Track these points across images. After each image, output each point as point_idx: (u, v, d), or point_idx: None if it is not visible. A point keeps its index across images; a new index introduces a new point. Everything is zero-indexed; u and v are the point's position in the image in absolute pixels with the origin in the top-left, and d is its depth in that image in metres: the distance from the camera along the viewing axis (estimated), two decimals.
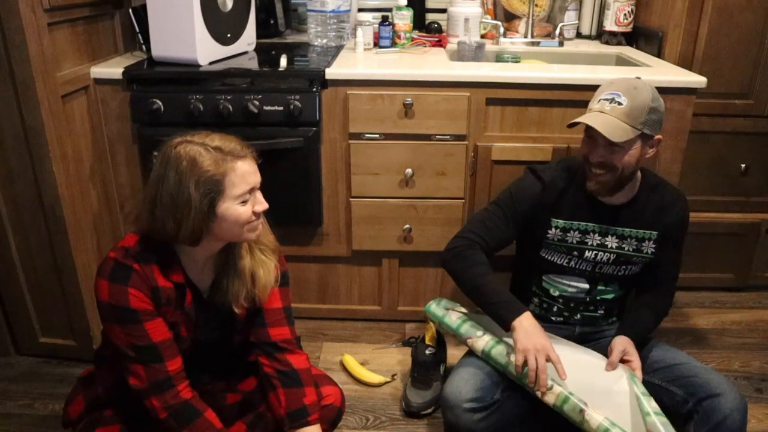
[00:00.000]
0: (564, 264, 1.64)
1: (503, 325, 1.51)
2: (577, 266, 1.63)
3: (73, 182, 1.78)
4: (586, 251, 1.61)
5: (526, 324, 1.48)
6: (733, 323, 2.27)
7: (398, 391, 1.88)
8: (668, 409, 1.48)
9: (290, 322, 1.41)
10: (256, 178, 1.25)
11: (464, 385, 1.53)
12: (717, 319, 2.30)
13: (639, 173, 1.57)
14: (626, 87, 1.44)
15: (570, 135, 1.90)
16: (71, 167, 1.78)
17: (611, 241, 1.60)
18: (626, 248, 1.60)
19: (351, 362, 1.97)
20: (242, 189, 1.21)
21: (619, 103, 1.42)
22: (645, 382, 1.60)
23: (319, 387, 1.44)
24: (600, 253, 1.61)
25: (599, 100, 1.47)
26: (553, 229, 1.61)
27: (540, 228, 1.62)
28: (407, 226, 2.02)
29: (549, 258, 1.65)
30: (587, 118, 1.45)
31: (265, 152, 1.82)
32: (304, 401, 1.35)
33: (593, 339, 1.71)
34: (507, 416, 1.54)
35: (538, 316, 1.71)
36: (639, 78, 1.51)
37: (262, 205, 1.26)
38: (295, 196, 1.95)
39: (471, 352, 1.66)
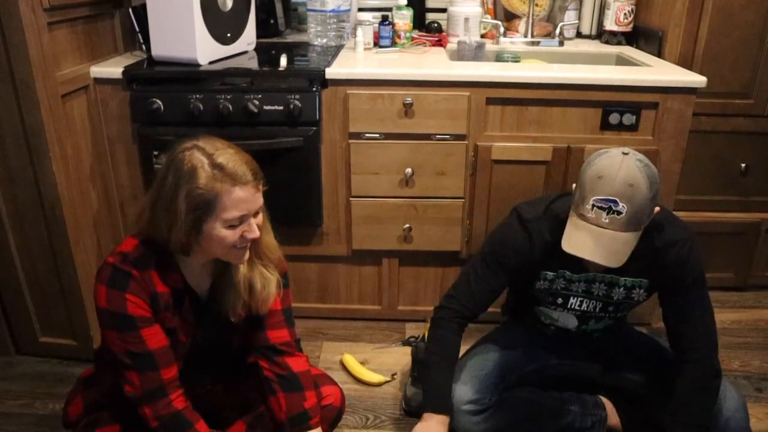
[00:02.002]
0: (551, 307, 1.59)
1: (422, 408, 1.48)
2: (563, 311, 1.58)
3: (73, 182, 1.78)
4: (571, 297, 1.54)
5: (432, 423, 1.43)
6: (733, 323, 2.27)
7: (398, 391, 1.88)
8: (663, 410, 1.49)
9: (290, 324, 1.40)
10: (251, 206, 1.19)
11: (463, 387, 1.53)
12: (717, 318, 2.23)
13: None
14: (623, 187, 1.26)
15: (570, 135, 1.90)
16: (71, 167, 1.78)
17: (598, 289, 1.50)
18: (615, 297, 1.51)
19: (351, 362, 1.97)
20: (232, 215, 1.17)
21: (618, 212, 1.26)
22: (641, 382, 1.60)
23: (319, 387, 1.44)
24: (585, 300, 1.53)
25: (593, 206, 1.28)
26: (541, 281, 1.53)
27: (528, 279, 1.55)
28: (407, 225, 2.02)
29: (536, 297, 1.60)
30: (585, 245, 1.30)
31: (265, 152, 1.84)
32: (305, 405, 1.35)
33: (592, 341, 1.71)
34: (506, 417, 1.54)
35: (535, 330, 1.70)
36: (627, 153, 1.30)
37: (253, 233, 1.21)
38: (295, 195, 1.95)
39: (470, 353, 1.66)
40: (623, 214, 1.26)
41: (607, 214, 1.27)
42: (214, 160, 1.16)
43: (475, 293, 1.53)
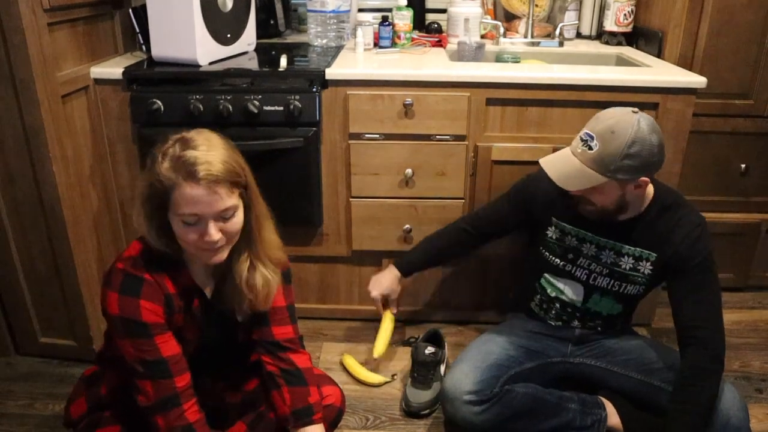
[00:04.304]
0: (559, 265, 1.64)
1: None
2: (572, 271, 1.63)
3: (73, 182, 1.78)
4: (581, 258, 1.61)
5: (386, 271, 1.85)
6: (733, 323, 2.26)
7: (398, 391, 1.88)
8: (666, 410, 1.48)
9: (293, 320, 1.41)
10: (205, 209, 1.12)
11: (464, 378, 1.55)
12: None
13: (651, 190, 1.52)
14: (604, 130, 1.38)
15: (570, 135, 1.89)
16: (71, 167, 1.78)
17: (607, 256, 1.58)
18: (623, 266, 1.57)
19: (351, 362, 1.97)
20: (184, 210, 1.12)
21: (590, 148, 1.39)
22: (641, 383, 1.60)
23: (320, 387, 1.44)
24: (593, 263, 1.60)
25: (578, 137, 1.44)
26: (552, 228, 1.61)
27: (540, 224, 1.63)
28: (407, 226, 2.02)
29: (546, 256, 1.65)
30: (552, 160, 1.49)
31: (265, 152, 1.84)
32: (309, 400, 1.35)
33: (593, 340, 1.71)
34: (506, 410, 1.55)
35: (538, 316, 1.73)
36: (636, 111, 1.40)
37: (209, 237, 1.13)
38: (295, 196, 1.95)
39: (473, 345, 1.67)
40: (593, 151, 1.39)
41: (583, 145, 1.41)
42: (185, 151, 1.11)
43: (489, 207, 1.81)
